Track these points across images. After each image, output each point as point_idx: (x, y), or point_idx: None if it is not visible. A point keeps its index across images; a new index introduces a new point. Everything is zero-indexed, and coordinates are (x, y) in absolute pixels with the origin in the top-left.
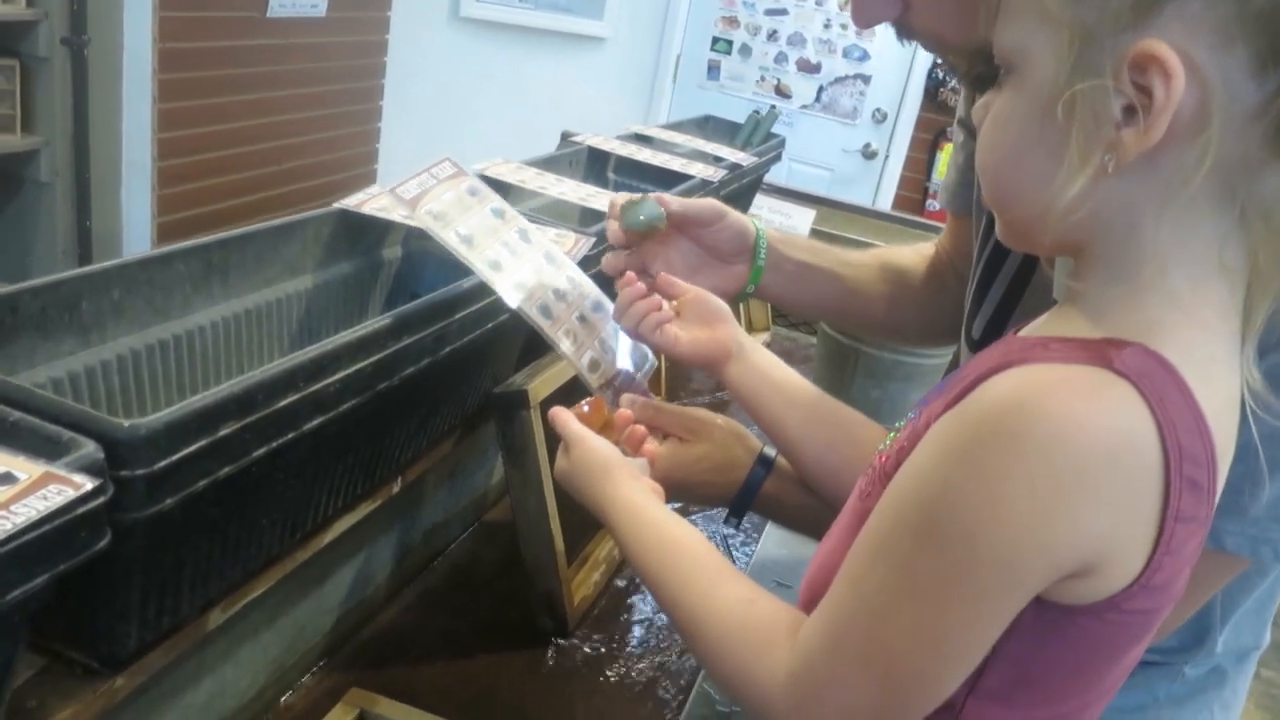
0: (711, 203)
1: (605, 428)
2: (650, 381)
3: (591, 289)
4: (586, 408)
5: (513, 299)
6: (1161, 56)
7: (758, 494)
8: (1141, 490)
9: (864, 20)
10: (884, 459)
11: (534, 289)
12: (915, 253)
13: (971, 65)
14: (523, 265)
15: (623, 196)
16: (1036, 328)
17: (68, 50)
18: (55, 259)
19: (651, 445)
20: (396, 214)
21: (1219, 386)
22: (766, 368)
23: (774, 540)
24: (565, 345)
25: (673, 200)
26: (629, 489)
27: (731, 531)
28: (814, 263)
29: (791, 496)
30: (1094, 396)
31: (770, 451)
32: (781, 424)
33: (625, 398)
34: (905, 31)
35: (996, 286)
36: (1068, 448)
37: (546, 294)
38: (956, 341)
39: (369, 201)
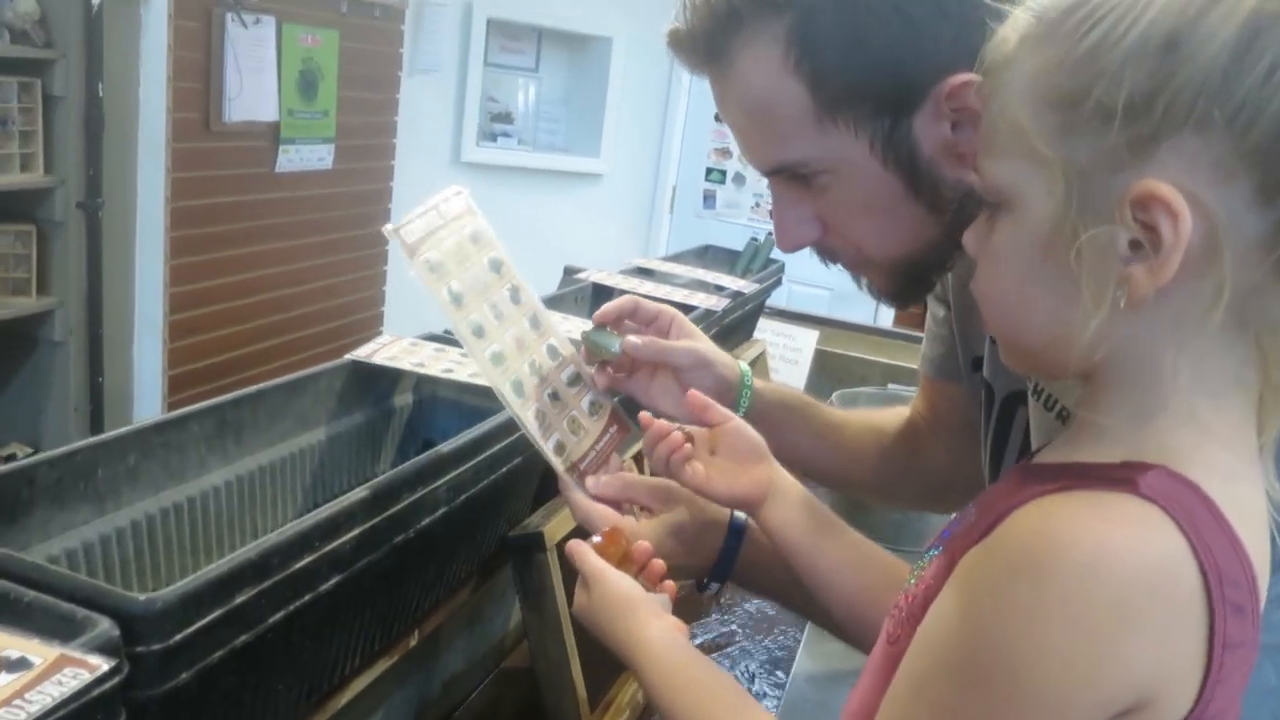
0: (692, 350)
1: (624, 560)
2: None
3: (571, 360)
4: (601, 539)
5: (487, 372)
6: (1164, 196)
7: (737, 559)
8: (1184, 618)
9: (787, 245)
10: (910, 599)
11: (510, 361)
12: (895, 415)
13: (891, 282)
14: (506, 332)
15: (614, 308)
16: (1053, 453)
17: (83, 213)
18: (68, 416)
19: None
20: (407, 362)
21: (1247, 505)
22: (805, 512)
23: (803, 674)
24: (532, 426)
25: (647, 346)
26: (655, 629)
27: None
28: (789, 418)
29: (766, 560)
30: (1124, 523)
31: (741, 516)
32: (818, 570)
33: (590, 480)
34: (827, 253)
35: (1010, 451)
36: (1102, 578)
37: (522, 368)
38: (931, 507)
39: (380, 351)
